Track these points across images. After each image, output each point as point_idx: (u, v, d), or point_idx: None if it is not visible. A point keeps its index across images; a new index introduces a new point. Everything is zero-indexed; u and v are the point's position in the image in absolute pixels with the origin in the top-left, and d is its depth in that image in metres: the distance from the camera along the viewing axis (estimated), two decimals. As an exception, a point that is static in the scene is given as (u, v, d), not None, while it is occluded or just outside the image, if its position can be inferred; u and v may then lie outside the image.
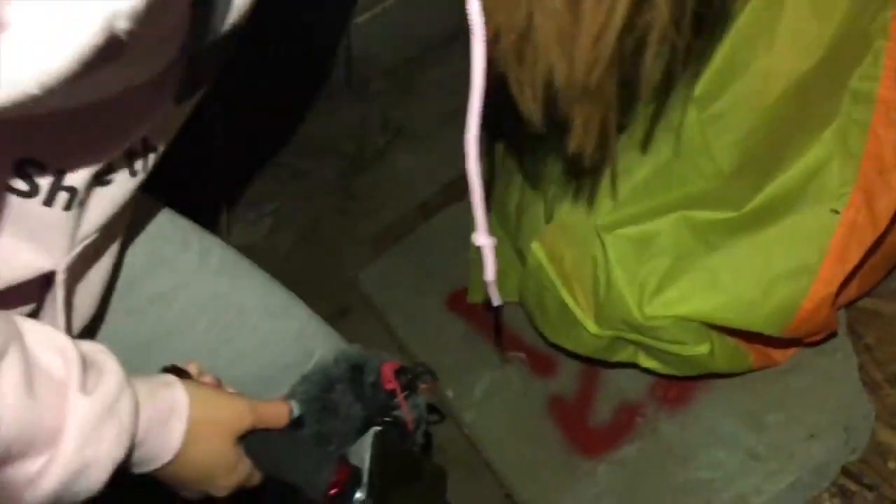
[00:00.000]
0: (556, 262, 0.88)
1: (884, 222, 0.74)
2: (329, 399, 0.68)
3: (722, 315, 0.80)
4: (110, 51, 0.33)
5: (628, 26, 0.45)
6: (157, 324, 0.67)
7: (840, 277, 0.76)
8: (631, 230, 0.82)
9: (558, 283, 0.88)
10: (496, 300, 0.65)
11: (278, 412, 0.60)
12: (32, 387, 0.41)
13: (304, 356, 0.74)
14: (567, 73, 0.47)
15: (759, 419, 0.93)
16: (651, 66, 0.49)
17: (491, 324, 1.15)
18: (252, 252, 0.80)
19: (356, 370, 0.69)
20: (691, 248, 0.80)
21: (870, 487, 0.90)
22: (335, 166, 1.48)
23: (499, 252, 1.17)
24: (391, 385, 0.68)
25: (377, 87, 1.51)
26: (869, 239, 0.75)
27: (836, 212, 0.74)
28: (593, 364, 1.03)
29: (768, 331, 0.80)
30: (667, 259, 0.81)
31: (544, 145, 1.02)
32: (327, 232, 1.42)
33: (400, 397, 0.68)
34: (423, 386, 0.70)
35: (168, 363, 0.61)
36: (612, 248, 0.81)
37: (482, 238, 0.56)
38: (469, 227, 1.33)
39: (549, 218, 0.95)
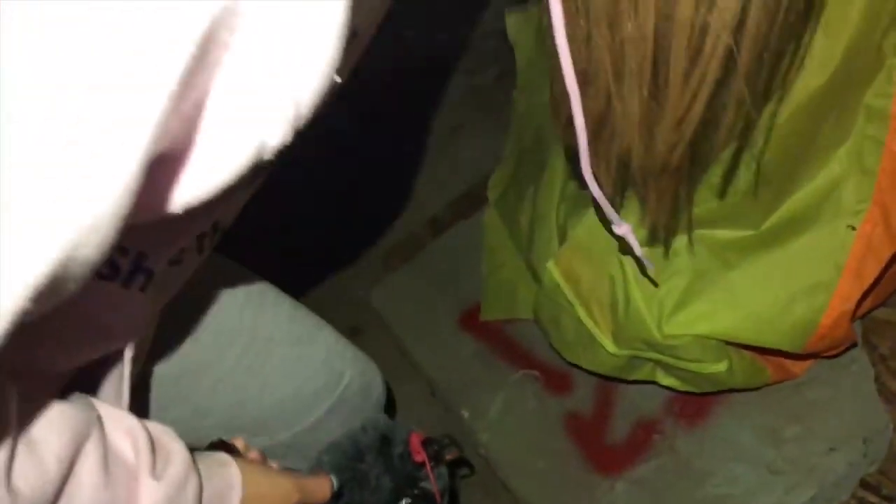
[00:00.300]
0: (572, 282, 0.88)
1: (900, 237, 0.74)
2: (359, 469, 0.69)
3: (741, 333, 0.80)
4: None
5: (710, 105, 0.46)
6: (184, 358, 0.67)
7: (858, 293, 0.76)
8: (648, 249, 0.82)
9: (576, 302, 0.88)
10: (651, 267, 0.69)
11: (321, 488, 0.62)
12: (108, 471, 0.41)
13: (334, 381, 0.75)
14: (645, 153, 0.48)
15: (778, 433, 0.93)
16: (726, 136, 0.50)
17: (505, 341, 1.15)
18: (260, 271, 0.81)
19: (384, 441, 0.70)
20: (709, 266, 0.80)
21: (889, 499, 0.90)
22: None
23: (511, 267, 1.18)
24: (420, 457, 0.69)
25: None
26: (886, 254, 0.75)
27: (853, 228, 0.74)
28: (609, 381, 1.02)
29: (788, 347, 0.80)
30: (685, 277, 0.81)
31: (555, 162, 1.02)
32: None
33: (428, 468, 0.69)
34: (448, 457, 0.71)
35: (196, 397, 0.61)
36: (630, 266, 0.81)
37: (620, 228, 0.58)
38: (479, 242, 1.33)
39: (562, 236, 0.95)
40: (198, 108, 0.30)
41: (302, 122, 0.34)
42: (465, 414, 1.12)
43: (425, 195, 1.42)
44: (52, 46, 0.24)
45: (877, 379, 0.94)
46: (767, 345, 0.81)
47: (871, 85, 0.73)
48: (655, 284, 0.81)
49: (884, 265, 0.76)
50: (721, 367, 0.84)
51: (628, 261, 0.82)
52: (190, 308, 0.67)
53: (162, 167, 0.30)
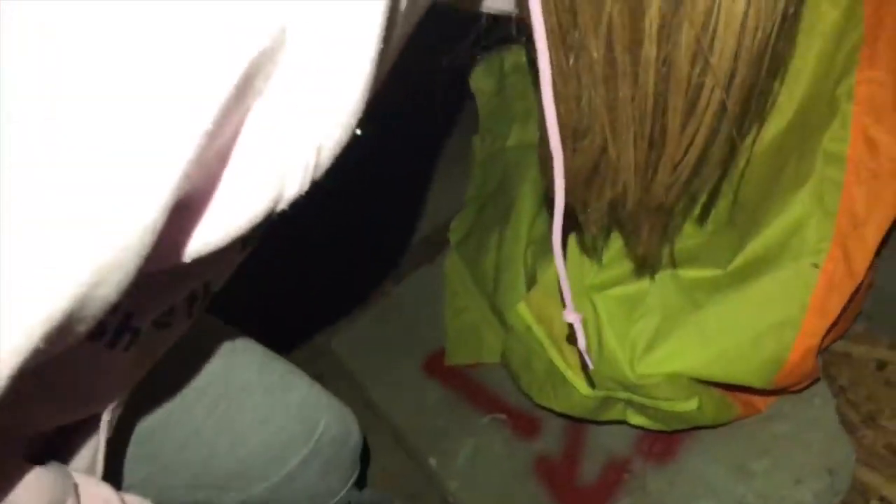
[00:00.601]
0: (545, 324, 0.88)
1: (860, 274, 0.77)
2: None
3: (712, 370, 0.81)
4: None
5: (704, 149, 0.47)
6: (154, 413, 0.64)
7: (822, 329, 0.79)
8: (619, 290, 0.83)
9: (547, 344, 0.88)
10: (591, 364, 0.69)
11: None
12: None
13: (308, 428, 0.73)
14: (641, 196, 0.49)
15: (746, 467, 0.94)
16: (714, 170, 0.51)
17: (471, 385, 1.14)
18: (218, 318, 0.78)
19: None
20: (678, 305, 0.82)
21: (854, 529, 0.92)
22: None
23: (474, 311, 1.17)
24: None
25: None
26: (848, 291, 0.78)
27: (816, 266, 0.77)
28: (577, 422, 1.02)
29: (757, 383, 0.82)
30: (655, 317, 0.82)
31: (522, 206, 1.03)
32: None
33: None
34: None
35: (167, 452, 0.58)
36: (602, 307, 0.82)
37: (571, 315, 0.58)
38: (441, 287, 1.32)
39: (530, 279, 0.95)
40: (220, 154, 0.29)
41: (320, 172, 0.33)
42: (433, 462, 1.09)
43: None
44: (54, 47, 0.23)
45: (837, 410, 0.96)
46: (737, 381, 0.83)
47: (828, 130, 0.77)
48: (592, 385, 0.82)
49: (846, 301, 0.78)
50: (692, 404, 0.85)
51: (601, 302, 0.83)
52: (161, 361, 0.64)
53: (178, 212, 0.29)
